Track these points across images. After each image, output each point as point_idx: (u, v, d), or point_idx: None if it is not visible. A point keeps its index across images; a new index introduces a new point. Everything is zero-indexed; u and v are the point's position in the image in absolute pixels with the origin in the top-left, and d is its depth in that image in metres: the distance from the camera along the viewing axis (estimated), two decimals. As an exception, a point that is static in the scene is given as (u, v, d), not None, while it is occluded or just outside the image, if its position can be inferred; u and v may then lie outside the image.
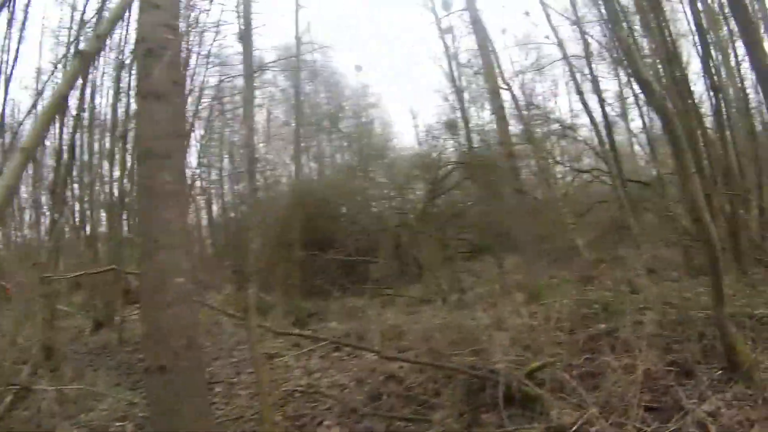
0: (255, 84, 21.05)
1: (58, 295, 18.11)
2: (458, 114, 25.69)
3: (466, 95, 25.68)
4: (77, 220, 24.44)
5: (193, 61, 24.00)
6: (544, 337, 10.49)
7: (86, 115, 19.74)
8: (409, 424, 8.83)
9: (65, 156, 17.96)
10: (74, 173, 23.64)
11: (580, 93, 22.34)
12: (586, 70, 22.34)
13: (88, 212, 25.16)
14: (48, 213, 19.48)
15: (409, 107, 64.95)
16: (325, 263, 20.28)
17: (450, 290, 17.07)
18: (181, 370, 6.16)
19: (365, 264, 21.23)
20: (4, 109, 17.74)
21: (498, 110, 20.01)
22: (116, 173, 22.52)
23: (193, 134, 27.10)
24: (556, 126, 23.94)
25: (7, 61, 16.70)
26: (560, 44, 23.55)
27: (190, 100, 23.60)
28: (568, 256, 18.11)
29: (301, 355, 13.04)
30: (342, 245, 21.08)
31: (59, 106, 5.70)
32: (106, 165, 24.80)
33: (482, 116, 27.00)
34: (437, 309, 15.46)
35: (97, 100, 21.78)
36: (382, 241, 20.80)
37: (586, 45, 22.11)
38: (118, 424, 9.99)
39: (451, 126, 25.13)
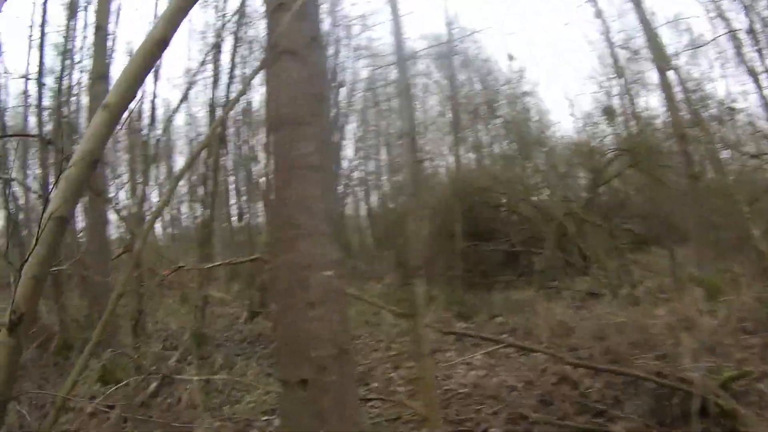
0: (408, 73, 20.42)
1: (213, 283, 17.79)
2: (617, 99, 24.21)
3: (623, 79, 24.10)
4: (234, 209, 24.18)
5: (343, 54, 23.57)
6: (730, 339, 9.36)
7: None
8: None
9: (215, 146, 17.21)
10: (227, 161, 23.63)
11: (750, 72, 20.39)
12: (750, 48, 20.38)
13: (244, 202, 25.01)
14: (201, 203, 18.88)
15: (565, 94, 63.33)
16: (486, 255, 19.24)
17: (619, 283, 15.68)
18: (327, 386, 4.91)
19: (528, 255, 20.43)
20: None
21: (666, 91, 18.45)
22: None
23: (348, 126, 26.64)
24: (720, 108, 22.04)
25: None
26: (720, 19, 21.53)
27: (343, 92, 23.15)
28: (741, 248, 16.41)
29: (464, 350, 12.04)
30: (503, 236, 20.06)
31: (152, 52, 4.27)
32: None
33: (644, 101, 25.45)
34: (607, 304, 14.10)
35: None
36: (545, 231, 19.51)
37: (750, 21, 20.14)
38: (264, 418, 9.24)
39: (609, 112, 23.71)
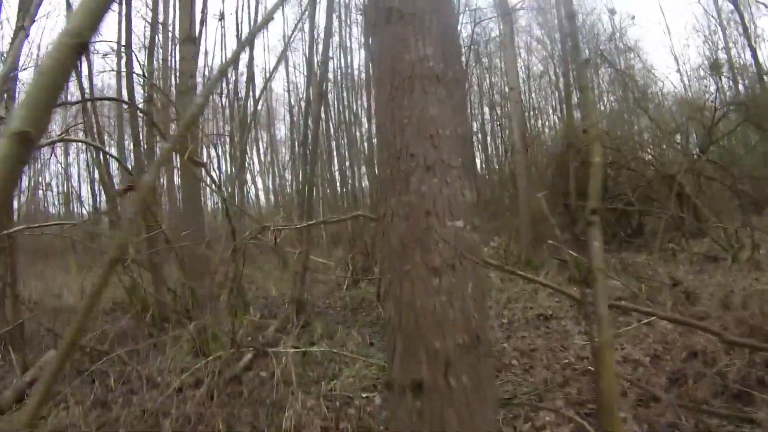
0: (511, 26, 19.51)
1: (315, 248, 17.14)
2: (726, 53, 22.76)
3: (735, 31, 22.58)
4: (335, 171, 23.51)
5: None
6: None
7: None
8: (724, 423, 6.45)
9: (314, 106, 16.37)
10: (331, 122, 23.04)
11: None
12: None
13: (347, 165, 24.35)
14: (302, 161, 18.11)
15: (671, 49, 61.34)
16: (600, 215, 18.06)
17: (741, 246, 14.40)
18: (451, 393, 3.65)
19: (641, 216, 19.52)
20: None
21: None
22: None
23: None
24: None
25: None
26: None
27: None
28: None
29: (580, 319, 11.08)
30: (615, 195, 18.77)
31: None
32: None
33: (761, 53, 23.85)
34: (728, 269, 12.88)
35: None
36: (660, 190, 18.29)
37: None
38: (364, 395, 8.31)
39: (716, 66, 22.31)
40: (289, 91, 36.58)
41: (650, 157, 20.25)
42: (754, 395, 6.73)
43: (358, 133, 30.41)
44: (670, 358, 8.24)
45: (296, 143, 28.80)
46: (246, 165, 16.28)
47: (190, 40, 13.77)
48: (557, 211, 17.14)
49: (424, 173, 3.98)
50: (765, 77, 21.77)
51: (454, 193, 4.03)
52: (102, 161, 16.39)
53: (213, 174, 14.41)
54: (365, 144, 26.52)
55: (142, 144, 15.61)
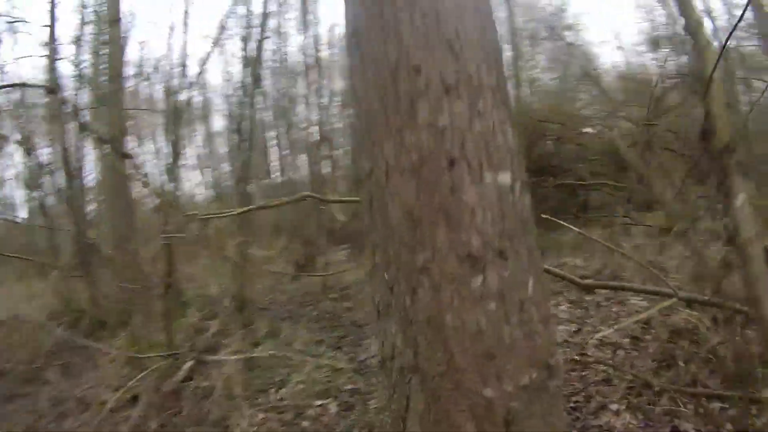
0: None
1: (255, 240, 16.33)
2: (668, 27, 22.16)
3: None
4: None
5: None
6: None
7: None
8: (726, 405, 5.61)
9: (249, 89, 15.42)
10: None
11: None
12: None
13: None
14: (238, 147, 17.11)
15: (611, 27, 61.17)
16: (545, 192, 17.28)
17: (697, 218, 13.69)
18: None
19: (586, 192, 18.67)
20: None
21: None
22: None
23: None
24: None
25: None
26: None
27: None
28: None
29: (575, 305, 10.25)
30: (563, 172, 18.04)
31: None
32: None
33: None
34: (688, 242, 12.17)
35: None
36: (606, 165, 17.59)
37: None
38: (318, 402, 7.52)
39: (655, 42, 21.78)
40: (226, 81, 35.59)
41: (595, 131, 19.56)
42: (754, 373, 5.83)
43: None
44: (651, 338, 7.48)
45: (234, 133, 27.88)
46: (180, 158, 15.35)
47: (116, 22, 12.65)
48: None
49: (441, 96, 2.42)
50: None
51: (491, 128, 2.49)
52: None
53: (142, 167, 13.21)
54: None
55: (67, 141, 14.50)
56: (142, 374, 7.64)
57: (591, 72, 22.21)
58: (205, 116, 32.55)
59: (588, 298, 9.84)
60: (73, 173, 14.11)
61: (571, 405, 6.18)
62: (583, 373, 6.92)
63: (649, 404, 5.80)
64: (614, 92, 21.19)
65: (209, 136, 35.34)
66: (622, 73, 24.12)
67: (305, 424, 6.81)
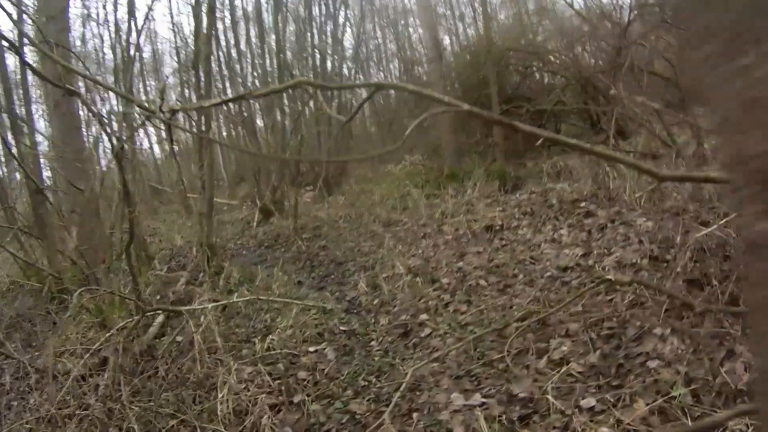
0: None
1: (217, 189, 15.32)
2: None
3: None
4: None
5: None
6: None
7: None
8: None
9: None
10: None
11: None
12: None
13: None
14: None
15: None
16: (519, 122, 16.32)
17: (685, 142, 12.81)
18: None
19: (554, 123, 17.87)
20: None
21: None
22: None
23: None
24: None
25: None
26: None
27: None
28: None
29: (537, 225, 9.60)
30: (533, 101, 17.03)
31: None
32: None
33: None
34: (674, 164, 11.28)
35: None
36: (575, 94, 17.10)
37: None
38: (312, 348, 6.60)
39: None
40: (174, 32, 34.00)
41: (560, 61, 18.51)
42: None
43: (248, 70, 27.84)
44: (672, 258, 6.52)
45: (184, 87, 26.50)
46: (132, 105, 14.20)
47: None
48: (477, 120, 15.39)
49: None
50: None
51: None
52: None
53: (93, 109, 11.96)
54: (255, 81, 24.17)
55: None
56: (108, 334, 6.54)
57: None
58: (155, 69, 31.11)
59: (587, 221, 8.95)
60: (17, 120, 12.76)
61: (606, 332, 5.44)
62: (609, 297, 6.06)
63: (693, 327, 4.93)
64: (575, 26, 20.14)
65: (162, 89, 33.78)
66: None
67: (302, 374, 5.86)
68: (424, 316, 6.86)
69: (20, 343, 7.87)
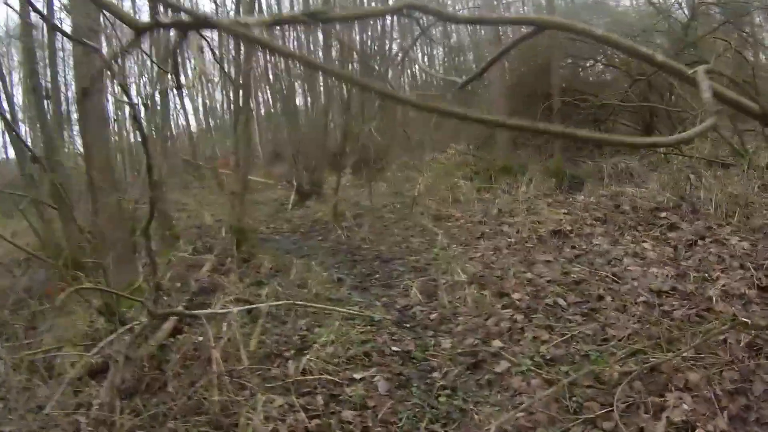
0: None
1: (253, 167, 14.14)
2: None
3: None
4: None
5: None
6: None
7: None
8: None
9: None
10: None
11: None
12: None
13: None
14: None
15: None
16: (576, 117, 14.93)
17: (755, 150, 11.53)
18: None
19: (611, 121, 16.17)
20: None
21: None
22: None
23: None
24: None
25: None
26: None
27: None
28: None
29: (614, 234, 8.41)
30: (593, 96, 15.59)
31: None
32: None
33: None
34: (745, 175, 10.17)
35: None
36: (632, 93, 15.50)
37: None
38: (358, 376, 5.12)
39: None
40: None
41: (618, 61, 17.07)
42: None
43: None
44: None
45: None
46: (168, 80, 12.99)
47: None
48: (538, 112, 13.96)
49: None
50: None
51: None
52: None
53: (118, 72, 10.68)
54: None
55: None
56: (112, 336, 5.23)
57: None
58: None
59: (671, 234, 7.86)
60: (38, 90, 11.54)
61: (729, 386, 4.33)
62: (722, 336, 4.93)
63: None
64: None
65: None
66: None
67: (347, 414, 4.48)
68: (497, 343, 5.44)
69: (21, 325, 7.06)
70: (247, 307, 6.14)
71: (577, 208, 9.50)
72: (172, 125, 22.59)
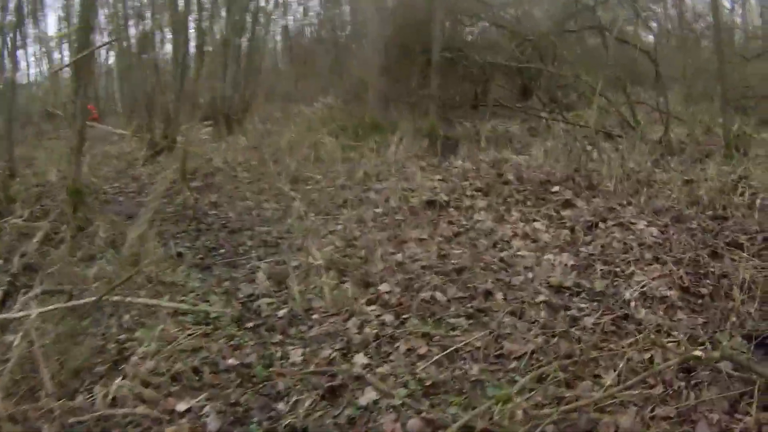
0: None
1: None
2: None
3: None
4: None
5: None
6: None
7: None
8: None
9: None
10: None
11: None
12: None
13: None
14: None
15: None
16: (455, 77, 14.49)
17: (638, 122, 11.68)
18: None
19: (486, 82, 15.25)
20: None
21: None
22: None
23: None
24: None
25: None
26: None
27: None
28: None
29: (498, 209, 7.44)
30: (473, 57, 14.70)
31: None
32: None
33: None
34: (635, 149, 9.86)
35: None
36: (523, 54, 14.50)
37: None
38: (183, 407, 3.77)
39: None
40: None
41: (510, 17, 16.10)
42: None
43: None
44: (710, 293, 4.91)
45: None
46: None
47: None
48: (412, 68, 13.54)
49: None
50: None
51: None
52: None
53: None
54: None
55: None
56: None
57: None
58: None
59: (565, 212, 7.04)
60: None
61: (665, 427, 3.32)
62: (647, 355, 4.00)
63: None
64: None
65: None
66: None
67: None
68: (360, 359, 4.10)
69: None
70: (50, 308, 4.71)
71: (454, 175, 8.51)
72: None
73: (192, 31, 16.94)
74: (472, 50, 14.56)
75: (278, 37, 28.56)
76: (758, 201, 6.69)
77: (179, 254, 6.94)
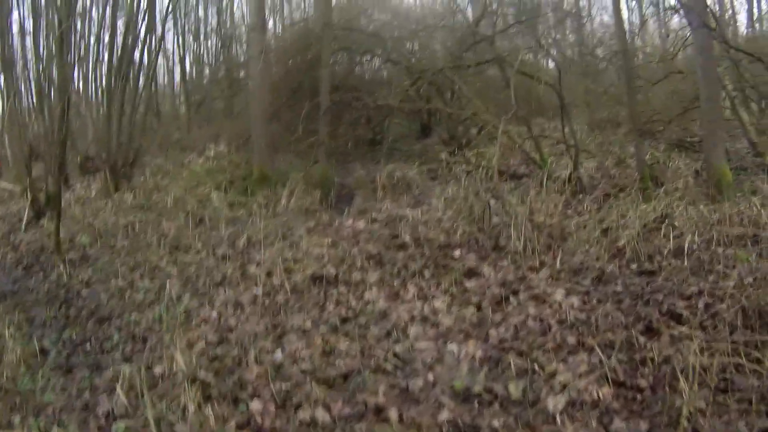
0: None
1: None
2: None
3: None
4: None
5: None
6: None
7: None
8: None
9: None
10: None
11: None
12: None
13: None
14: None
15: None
16: (348, 121, 13.96)
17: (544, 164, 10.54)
18: None
19: (386, 122, 14.74)
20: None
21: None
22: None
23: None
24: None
25: None
26: None
27: None
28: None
29: (392, 282, 6.54)
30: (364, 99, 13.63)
31: None
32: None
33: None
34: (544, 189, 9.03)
35: None
36: (412, 93, 13.62)
37: None
38: None
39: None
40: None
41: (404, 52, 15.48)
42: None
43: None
44: (650, 386, 4.08)
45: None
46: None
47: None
48: (302, 112, 12.15)
49: None
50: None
51: None
52: None
53: None
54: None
55: None
56: None
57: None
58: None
59: (469, 283, 6.15)
60: None
61: None
62: None
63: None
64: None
65: None
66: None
67: None
68: None
69: None
70: None
71: (344, 238, 7.57)
72: None
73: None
74: (366, 89, 14.00)
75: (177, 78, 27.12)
76: (686, 245, 5.92)
77: (43, 351, 5.92)
